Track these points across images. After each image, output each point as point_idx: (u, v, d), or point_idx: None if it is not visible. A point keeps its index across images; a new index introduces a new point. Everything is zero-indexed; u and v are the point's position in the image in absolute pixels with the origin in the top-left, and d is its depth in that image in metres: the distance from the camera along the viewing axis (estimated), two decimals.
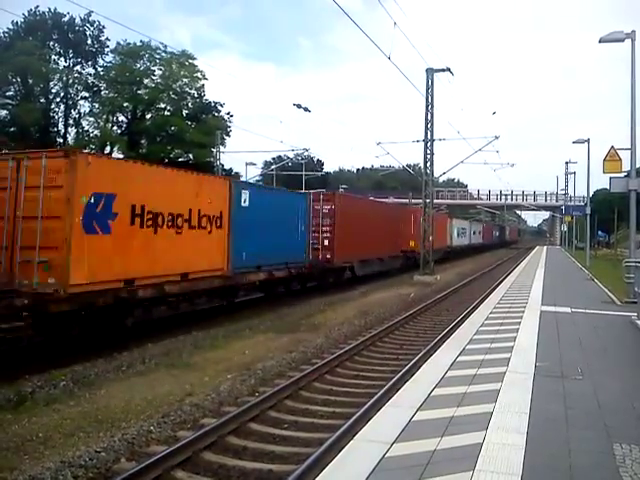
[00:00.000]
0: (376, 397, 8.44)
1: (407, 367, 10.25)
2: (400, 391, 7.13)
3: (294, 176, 67.31)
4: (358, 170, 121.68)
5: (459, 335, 10.72)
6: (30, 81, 49.95)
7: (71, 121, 54.93)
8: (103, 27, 54.20)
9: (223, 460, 6.71)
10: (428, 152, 31.22)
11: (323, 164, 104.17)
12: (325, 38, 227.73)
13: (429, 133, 31.01)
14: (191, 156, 54.08)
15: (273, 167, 68.18)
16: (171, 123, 53.94)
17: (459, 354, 8.78)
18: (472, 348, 9.25)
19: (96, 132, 53.94)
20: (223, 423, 7.49)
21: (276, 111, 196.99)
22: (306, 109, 34.64)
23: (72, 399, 8.81)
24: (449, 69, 30.54)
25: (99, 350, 11.60)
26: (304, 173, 66.27)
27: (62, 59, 54.35)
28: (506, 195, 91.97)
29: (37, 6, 52.40)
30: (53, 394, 9.09)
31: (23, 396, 8.89)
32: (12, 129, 46.91)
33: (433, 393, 6.75)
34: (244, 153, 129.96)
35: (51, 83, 52.24)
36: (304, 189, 77.64)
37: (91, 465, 6.45)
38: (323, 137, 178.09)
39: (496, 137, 34.12)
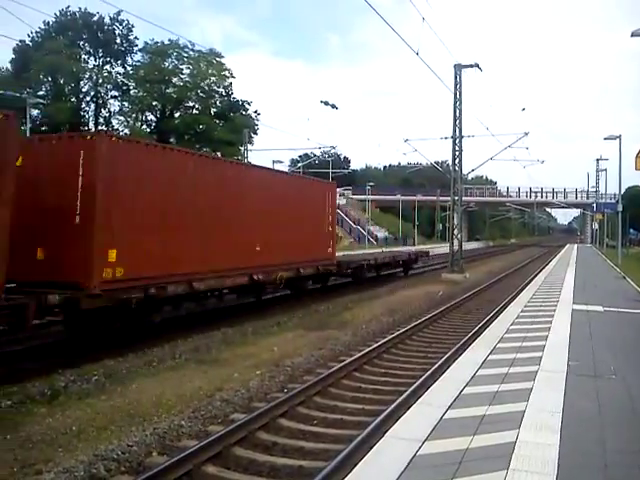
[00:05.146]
0: (405, 395, 8.39)
1: (437, 365, 10.17)
2: (430, 389, 7.08)
3: (321, 174, 67.34)
4: (385, 167, 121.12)
5: (490, 333, 10.60)
6: (61, 80, 50.78)
7: (101, 120, 55.81)
8: (132, 26, 54.98)
9: (253, 456, 6.73)
10: (457, 149, 30.94)
11: (350, 161, 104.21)
12: (353, 35, 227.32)
13: (457, 130, 30.74)
14: (219, 154, 54.43)
15: (300, 165, 68.27)
16: (199, 121, 54.44)
17: (490, 352, 8.68)
18: (503, 347, 9.14)
19: (126, 131, 54.63)
20: (253, 418, 7.52)
21: (304, 109, 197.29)
22: (333, 106, 34.85)
23: (104, 393, 8.94)
24: (477, 65, 30.21)
25: (130, 345, 11.79)
26: (331, 170, 66.26)
27: (92, 58, 55.26)
28: (536, 192, 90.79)
29: (68, 6, 53.32)
30: (86, 388, 9.24)
31: (57, 390, 9.05)
32: (44, 128, 47.69)
33: (464, 392, 6.69)
34: (271, 151, 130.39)
35: (81, 82, 53.07)
36: None
37: (123, 459, 6.52)
38: (350, 134, 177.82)
39: (525, 133, 33.80)
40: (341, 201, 76.99)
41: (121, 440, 6.97)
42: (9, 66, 51.20)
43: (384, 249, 40.47)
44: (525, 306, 14.16)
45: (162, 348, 11.94)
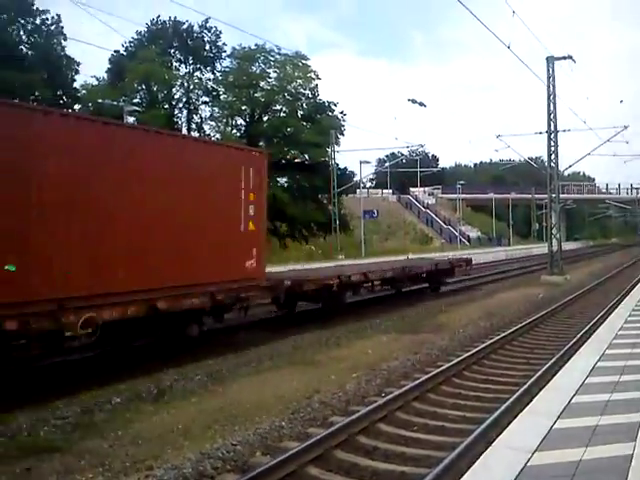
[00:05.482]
0: (509, 402, 8.12)
1: (540, 372, 9.77)
2: (537, 398, 6.83)
3: (409, 173, 66.78)
4: (476, 165, 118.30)
5: (596, 339, 10.08)
6: (154, 88, 52.85)
7: (194, 125, 57.60)
8: (220, 32, 56.53)
9: (354, 459, 6.71)
10: (552, 144, 29.78)
11: (438, 160, 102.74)
12: (440, 31, 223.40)
13: (552, 124, 29.59)
14: (307, 156, 55.01)
15: (387, 164, 67.91)
16: (287, 124, 55.14)
17: (598, 359, 8.25)
18: (612, 353, 8.66)
19: (217, 136, 56.19)
20: (352, 422, 7.51)
21: (391, 108, 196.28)
22: (421, 104, 34.37)
23: (207, 393, 9.24)
24: (571, 57, 29.06)
25: (229, 345, 12.22)
26: (419, 170, 65.63)
27: (183, 65, 57.15)
28: (637, 188, 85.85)
29: (158, 15, 55.53)
30: (189, 387, 9.57)
31: (162, 389, 9.43)
32: None
33: (573, 400, 6.40)
34: (358, 151, 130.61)
35: (174, 89, 55.03)
36: (419, 186, 77.10)
37: (229, 458, 6.66)
38: (439, 132, 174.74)
39: (625, 127, 32.18)
40: (430, 200, 76.05)
41: (225, 439, 7.14)
42: (105, 76, 53.92)
43: (409, 256, 33.13)
44: (633, 310, 13.39)
45: (259, 349, 12.26)
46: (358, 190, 57.48)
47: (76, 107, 44.80)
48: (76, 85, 45.16)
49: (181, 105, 56.81)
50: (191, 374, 10.25)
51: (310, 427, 7.71)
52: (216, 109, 57.39)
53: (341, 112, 59.16)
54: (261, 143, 55.97)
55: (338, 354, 11.81)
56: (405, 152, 65.32)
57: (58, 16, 41.10)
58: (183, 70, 56.91)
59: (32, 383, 9.22)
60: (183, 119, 57.23)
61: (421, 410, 8.51)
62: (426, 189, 79.77)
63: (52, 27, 41.31)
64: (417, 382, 9.33)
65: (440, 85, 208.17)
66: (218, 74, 57.81)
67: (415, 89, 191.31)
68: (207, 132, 57.25)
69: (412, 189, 78.37)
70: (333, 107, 58.65)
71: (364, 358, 11.42)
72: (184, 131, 56.01)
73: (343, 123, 58.41)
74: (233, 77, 55.08)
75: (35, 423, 7.79)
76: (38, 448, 6.95)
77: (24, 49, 40.11)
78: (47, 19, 40.88)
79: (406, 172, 69.66)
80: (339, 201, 51.72)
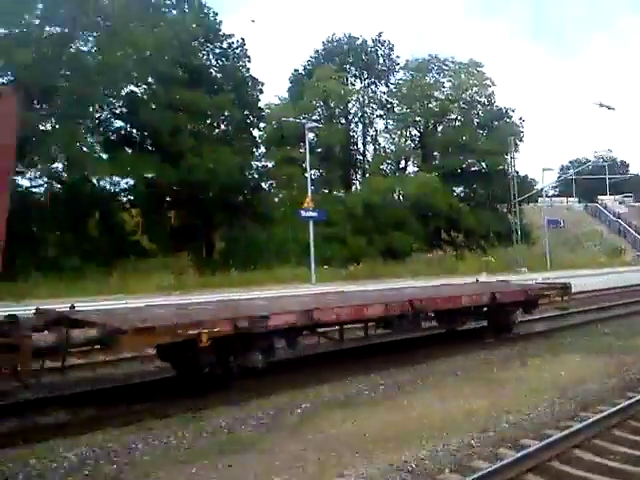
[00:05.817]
0: None
1: None
2: None
3: (596, 180, 62.13)
4: None
5: None
6: (332, 104, 54.86)
7: (369, 138, 58.92)
8: (393, 46, 57.43)
9: None
10: None
11: (628, 165, 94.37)
12: (623, 27, 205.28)
13: None
14: (483, 164, 53.72)
15: (571, 172, 63.89)
16: (462, 133, 54.39)
17: None
18: None
19: (392, 147, 56.95)
20: (545, 446, 7.16)
21: (574, 112, 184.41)
22: (610, 107, 31.98)
23: (393, 403, 9.31)
24: None
25: (414, 356, 12.34)
26: (607, 176, 60.88)
27: (357, 80, 58.82)
28: None
29: (333, 33, 57.77)
30: (375, 397, 9.74)
31: (348, 397, 9.69)
32: (319, 150, 51.91)
33: None
34: (540, 158, 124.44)
35: (349, 104, 56.74)
36: (608, 194, 71.48)
37: (417, 472, 6.64)
38: (629, 135, 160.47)
39: None
40: (621, 209, 70.10)
41: (413, 452, 7.15)
42: (287, 95, 57.07)
43: (480, 278, 23.62)
44: None
45: (445, 362, 12.28)
46: (540, 199, 54.78)
47: (261, 125, 48.00)
48: (260, 104, 48.26)
49: (357, 119, 58.40)
50: (377, 384, 10.44)
51: (500, 448, 7.46)
52: (390, 121, 58.32)
53: (520, 118, 57.24)
54: (435, 153, 55.80)
55: (526, 373, 11.30)
56: (591, 158, 61.24)
57: (242, 39, 44.33)
58: (358, 85, 58.61)
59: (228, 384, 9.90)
60: (359, 133, 58.79)
61: (622, 438, 7.87)
62: (616, 197, 73.84)
63: (237, 50, 44.62)
64: (617, 407, 8.65)
65: (629, 86, 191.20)
66: (392, 87, 58.73)
67: (601, 91, 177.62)
68: (382, 144, 58.35)
69: (600, 197, 73.02)
70: (511, 113, 56.85)
71: (556, 379, 10.79)
72: (359, 145, 57.52)
73: (522, 129, 56.41)
74: (407, 89, 55.62)
75: (233, 421, 8.41)
76: (237, 446, 7.45)
77: (213, 72, 43.77)
78: (233, 43, 44.27)
79: (593, 179, 65.04)
80: (520, 210, 49.72)
